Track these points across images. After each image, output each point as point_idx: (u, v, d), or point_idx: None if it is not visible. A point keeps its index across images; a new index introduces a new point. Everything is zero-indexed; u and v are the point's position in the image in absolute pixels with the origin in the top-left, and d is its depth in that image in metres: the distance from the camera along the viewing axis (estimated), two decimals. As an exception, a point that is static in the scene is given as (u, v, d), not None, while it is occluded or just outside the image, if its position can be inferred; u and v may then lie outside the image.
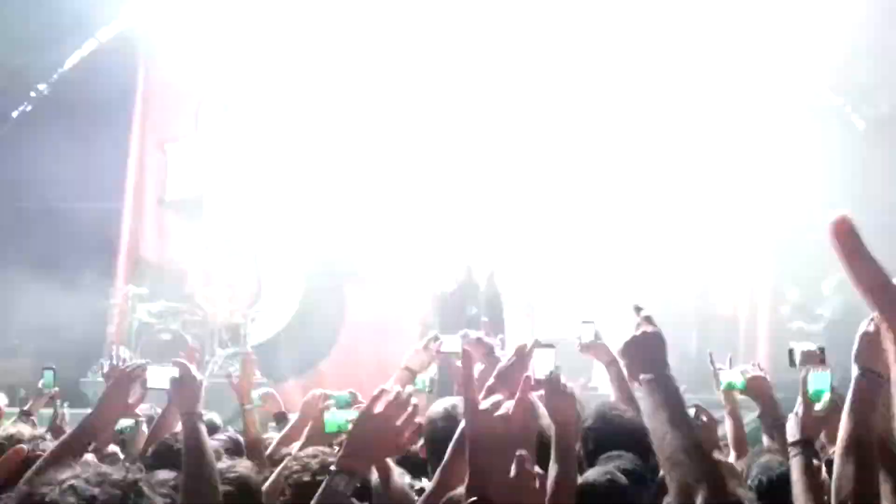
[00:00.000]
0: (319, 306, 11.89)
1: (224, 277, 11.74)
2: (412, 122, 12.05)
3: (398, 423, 2.23)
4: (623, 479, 2.81)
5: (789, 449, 2.87)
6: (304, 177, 12.22)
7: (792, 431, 2.86)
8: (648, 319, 2.19)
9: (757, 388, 3.97)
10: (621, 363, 2.30)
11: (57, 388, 5.18)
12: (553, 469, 2.68)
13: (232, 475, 2.58)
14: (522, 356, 2.72)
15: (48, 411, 5.04)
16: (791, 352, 3.72)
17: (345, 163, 12.22)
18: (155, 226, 12.03)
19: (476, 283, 8.18)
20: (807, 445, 2.80)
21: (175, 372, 2.81)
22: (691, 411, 3.51)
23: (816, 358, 3.48)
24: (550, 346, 2.80)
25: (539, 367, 2.72)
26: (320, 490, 2.22)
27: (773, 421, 3.84)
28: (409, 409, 2.25)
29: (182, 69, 12.29)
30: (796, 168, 11.42)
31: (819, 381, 2.89)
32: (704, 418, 3.81)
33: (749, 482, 3.11)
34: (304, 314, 11.85)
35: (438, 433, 2.75)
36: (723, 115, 11.88)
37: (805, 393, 2.89)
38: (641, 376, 2.10)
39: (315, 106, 12.26)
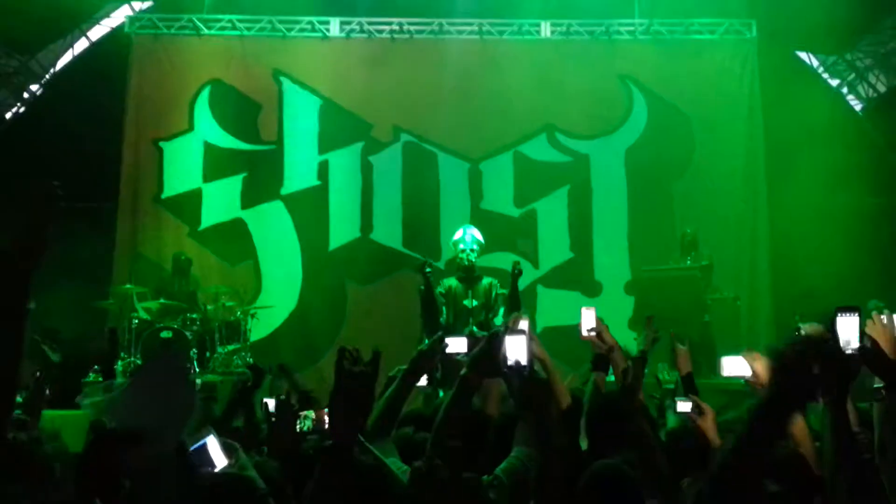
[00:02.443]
0: (319, 302, 11.84)
1: (222, 274, 11.68)
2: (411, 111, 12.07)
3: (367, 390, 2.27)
4: (630, 470, 2.78)
5: (877, 390, 2.79)
6: (302, 170, 12.19)
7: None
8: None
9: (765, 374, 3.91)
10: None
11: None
12: (538, 461, 2.65)
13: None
14: (494, 343, 2.70)
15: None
16: (798, 333, 3.67)
17: (342, 153, 12.20)
18: (151, 223, 11.95)
19: (479, 276, 8.08)
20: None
21: None
22: (688, 405, 3.48)
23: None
24: (522, 332, 2.77)
25: (511, 354, 2.70)
26: (320, 468, 2.21)
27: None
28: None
29: (174, 65, 12.22)
30: (797, 149, 11.40)
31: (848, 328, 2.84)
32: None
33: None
34: (303, 310, 11.80)
35: None
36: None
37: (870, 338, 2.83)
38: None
39: (309, 96, 12.24)
